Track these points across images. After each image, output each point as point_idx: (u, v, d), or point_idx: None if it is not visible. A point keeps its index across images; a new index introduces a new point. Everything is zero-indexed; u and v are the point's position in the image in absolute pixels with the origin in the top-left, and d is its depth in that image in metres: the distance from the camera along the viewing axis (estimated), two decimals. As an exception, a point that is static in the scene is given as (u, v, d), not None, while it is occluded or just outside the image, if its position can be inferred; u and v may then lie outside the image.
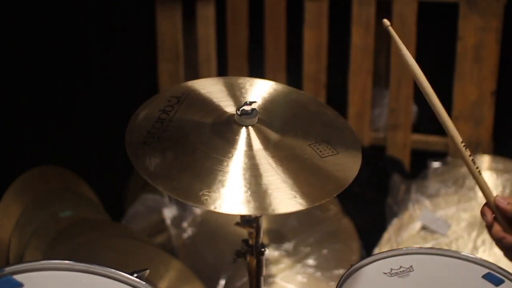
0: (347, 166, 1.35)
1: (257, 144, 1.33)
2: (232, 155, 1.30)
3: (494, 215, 1.28)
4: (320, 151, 1.36)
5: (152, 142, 1.31)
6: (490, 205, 1.29)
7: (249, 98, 1.43)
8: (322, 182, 1.30)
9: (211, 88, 1.46)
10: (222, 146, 1.31)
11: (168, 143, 1.31)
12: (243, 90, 1.47)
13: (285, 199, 1.25)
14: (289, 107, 1.48)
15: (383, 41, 2.88)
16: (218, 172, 1.26)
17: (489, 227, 1.28)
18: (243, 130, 1.34)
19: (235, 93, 1.46)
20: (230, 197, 1.23)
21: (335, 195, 1.30)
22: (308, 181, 1.29)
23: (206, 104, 1.42)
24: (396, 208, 2.54)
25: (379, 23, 2.83)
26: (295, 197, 1.25)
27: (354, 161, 1.37)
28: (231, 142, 1.32)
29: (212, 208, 1.21)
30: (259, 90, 1.48)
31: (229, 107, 1.41)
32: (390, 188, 2.64)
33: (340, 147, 1.38)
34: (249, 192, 1.24)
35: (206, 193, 1.23)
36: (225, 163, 1.28)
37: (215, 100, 1.43)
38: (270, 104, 1.46)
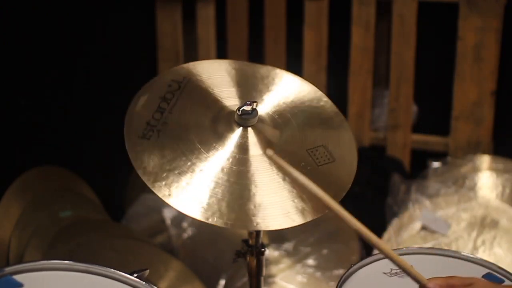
0: (341, 175, 1.34)
1: (254, 150, 1.31)
2: (231, 160, 1.28)
3: None
4: (317, 158, 1.34)
5: (151, 136, 1.29)
6: None
7: (251, 87, 1.41)
8: (315, 196, 1.28)
9: (213, 73, 1.43)
10: (221, 148, 1.30)
11: (167, 140, 1.30)
12: (245, 76, 1.44)
13: (278, 214, 1.24)
14: (292, 105, 1.45)
15: (383, 41, 2.88)
16: (213, 180, 1.25)
17: None
18: (243, 132, 1.32)
19: (238, 80, 1.42)
20: (224, 208, 1.22)
21: (327, 211, 1.28)
22: (301, 195, 1.27)
23: (207, 94, 1.38)
24: (396, 208, 2.54)
25: (379, 23, 2.83)
26: (289, 212, 1.24)
27: (349, 169, 1.35)
28: (230, 145, 1.31)
29: (209, 220, 1.21)
30: (262, 78, 1.46)
31: (231, 99, 1.38)
32: (390, 188, 2.64)
33: (337, 152, 1.36)
34: (245, 207, 1.23)
35: (204, 204, 1.22)
36: (222, 169, 1.27)
37: (216, 89, 1.39)
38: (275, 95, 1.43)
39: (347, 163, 1.36)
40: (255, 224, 1.22)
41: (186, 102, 1.36)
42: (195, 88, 1.39)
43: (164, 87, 1.37)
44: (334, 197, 1.30)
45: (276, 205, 1.25)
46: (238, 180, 1.26)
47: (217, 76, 1.42)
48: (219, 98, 1.38)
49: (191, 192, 1.23)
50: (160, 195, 1.23)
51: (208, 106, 1.36)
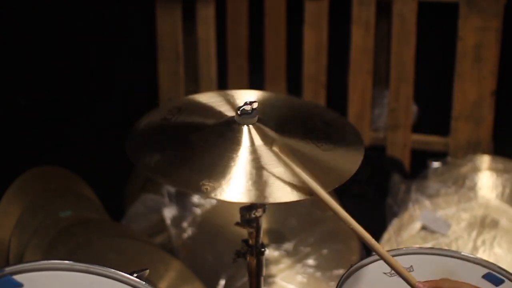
0: (348, 159, 1.36)
1: (258, 140, 1.33)
2: (233, 150, 1.31)
3: None
4: (321, 145, 1.37)
5: (152, 143, 1.32)
6: None
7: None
8: (323, 173, 1.30)
9: (211, 99, 1.49)
10: (222, 143, 1.32)
11: (168, 142, 1.32)
12: (239, 100, 1.48)
13: (287, 189, 1.25)
14: (290, 110, 1.48)
15: (383, 41, 2.88)
16: (218, 165, 1.28)
17: None
18: (244, 128, 1.34)
19: (234, 102, 1.47)
20: (231, 185, 1.24)
21: (337, 186, 1.30)
22: (309, 172, 1.29)
23: (206, 110, 1.44)
24: (396, 208, 2.54)
25: (379, 23, 2.83)
26: (296, 186, 1.26)
27: (355, 154, 1.37)
28: (231, 139, 1.33)
29: (212, 195, 1.22)
30: (260, 100, 1.49)
31: (229, 112, 1.42)
32: (390, 188, 2.64)
33: (342, 142, 1.39)
34: (250, 182, 1.25)
35: (207, 183, 1.23)
36: (225, 157, 1.29)
37: (215, 107, 1.45)
38: (271, 109, 1.46)
39: (353, 150, 1.38)
40: (263, 197, 1.24)
41: (187, 116, 1.42)
42: (195, 108, 1.45)
43: (164, 112, 1.43)
44: (336, 181, 1.32)
45: (283, 181, 1.26)
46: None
47: (216, 101, 1.48)
48: (219, 111, 1.43)
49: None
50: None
51: (208, 116, 1.41)
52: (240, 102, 1.45)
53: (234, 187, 1.24)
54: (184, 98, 1.52)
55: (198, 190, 1.23)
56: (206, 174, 1.25)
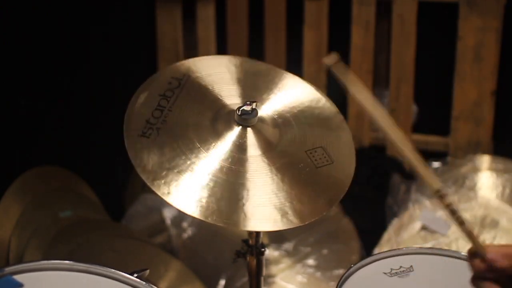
0: (340, 178, 1.33)
1: (253, 150, 1.31)
2: (230, 159, 1.28)
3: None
4: (316, 160, 1.34)
5: (150, 135, 1.29)
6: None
7: (251, 86, 1.41)
8: (314, 198, 1.28)
9: (213, 70, 1.42)
10: (220, 148, 1.30)
11: (166, 138, 1.30)
12: (245, 73, 1.44)
13: (275, 216, 1.24)
14: (292, 108, 1.45)
15: (383, 41, 2.88)
16: (212, 179, 1.25)
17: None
18: (243, 132, 1.32)
19: (238, 77, 1.42)
20: (223, 207, 1.22)
21: (324, 213, 1.28)
22: (300, 196, 1.27)
23: (207, 93, 1.38)
24: (396, 208, 2.54)
25: (379, 23, 2.83)
26: (287, 213, 1.24)
27: (348, 171, 1.35)
28: (229, 144, 1.30)
29: (203, 218, 1.21)
30: (262, 77, 1.45)
31: (231, 98, 1.38)
32: (390, 188, 2.64)
33: (335, 153, 1.36)
34: (243, 204, 1.23)
35: (203, 202, 1.22)
36: (221, 168, 1.27)
37: (216, 86, 1.39)
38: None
39: (346, 165, 1.36)
40: (251, 224, 1.22)
41: (185, 100, 1.36)
42: (195, 86, 1.38)
43: (164, 84, 1.37)
44: (332, 198, 1.30)
45: (274, 206, 1.24)
46: (237, 180, 1.26)
47: (217, 73, 1.42)
48: (219, 97, 1.38)
49: (189, 190, 1.23)
50: (159, 193, 1.23)
51: (207, 105, 1.36)
52: (242, 72, 1.41)
53: (225, 209, 1.21)
54: (185, 65, 1.42)
55: (193, 210, 1.21)
56: (202, 191, 1.23)
